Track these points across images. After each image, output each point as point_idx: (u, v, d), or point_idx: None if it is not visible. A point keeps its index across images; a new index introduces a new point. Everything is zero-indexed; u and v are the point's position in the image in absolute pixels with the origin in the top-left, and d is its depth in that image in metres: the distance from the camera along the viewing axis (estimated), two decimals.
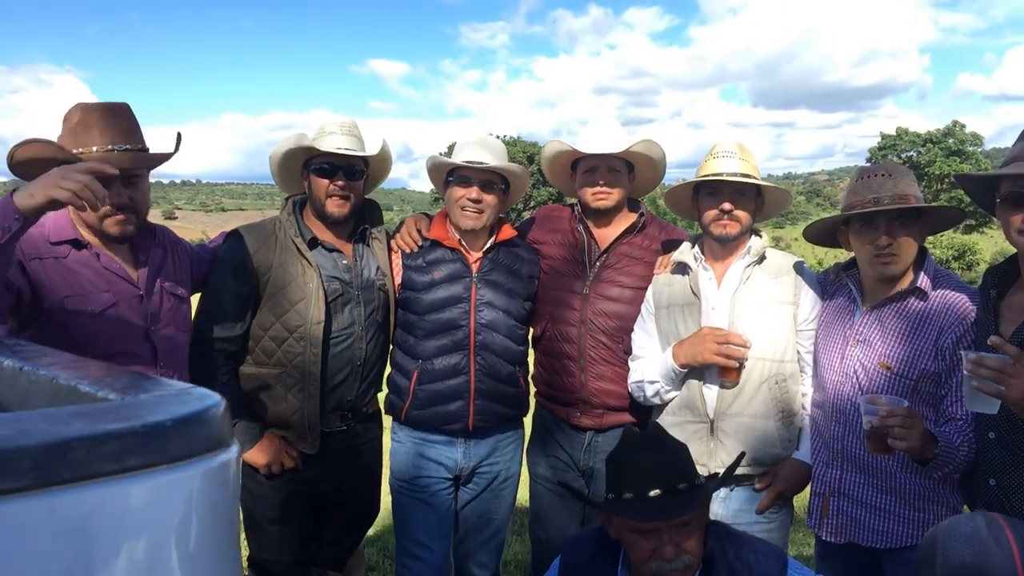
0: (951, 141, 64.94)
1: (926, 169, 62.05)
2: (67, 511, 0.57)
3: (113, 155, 2.24)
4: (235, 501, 0.72)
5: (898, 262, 2.45)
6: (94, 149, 2.23)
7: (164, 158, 2.37)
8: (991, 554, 1.50)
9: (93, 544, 0.58)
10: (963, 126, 65.72)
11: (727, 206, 2.68)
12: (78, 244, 2.32)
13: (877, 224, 2.45)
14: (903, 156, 65.37)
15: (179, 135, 2.45)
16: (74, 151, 2.21)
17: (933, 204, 2.57)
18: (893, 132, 67.89)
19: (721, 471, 2.65)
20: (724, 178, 2.67)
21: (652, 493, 1.87)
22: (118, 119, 2.30)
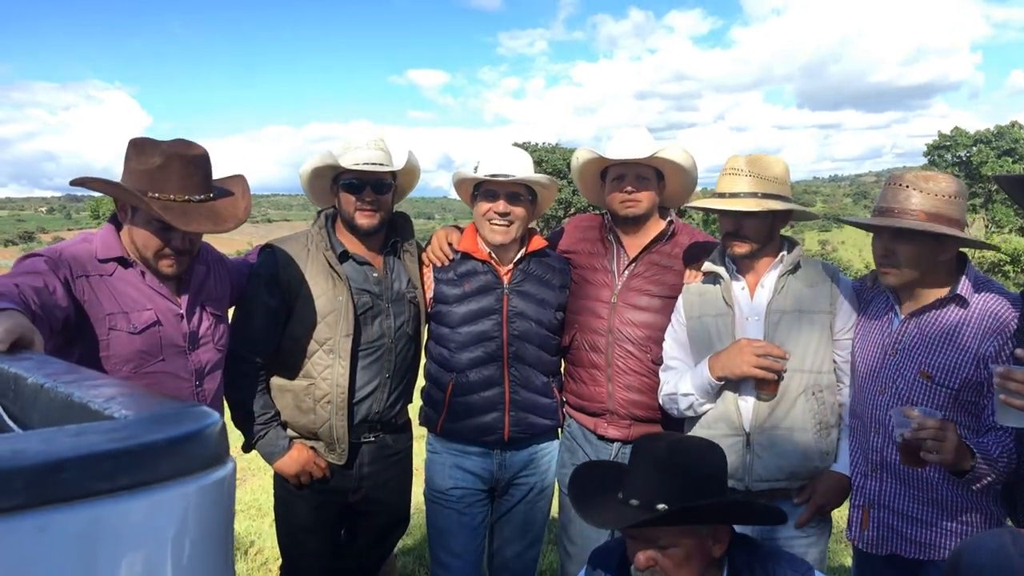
0: (1005, 140, 63.24)
1: (979, 169, 60.60)
2: (58, 529, 0.59)
3: (190, 206, 2.33)
4: (229, 517, 0.73)
5: (896, 275, 2.43)
6: (172, 197, 2.30)
7: (236, 224, 2.44)
8: (1016, 569, 1.46)
9: (87, 560, 0.60)
10: (1022, 126, 63.92)
11: (731, 228, 2.67)
12: (124, 262, 2.38)
13: (881, 235, 2.44)
14: (959, 156, 63.85)
15: (247, 193, 2.56)
16: (149, 194, 2.28)
17: (932, 229, 2.33)
18: (946, 131, 66.42)
19: (758, 487, 2.62)
20: (727, 207, 2.63)
21: (633, 502, 1.91)
22: (197, 170, 2.38)
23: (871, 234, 2.54)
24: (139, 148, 2.33)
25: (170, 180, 2.30)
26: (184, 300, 2.49)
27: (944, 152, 63.74)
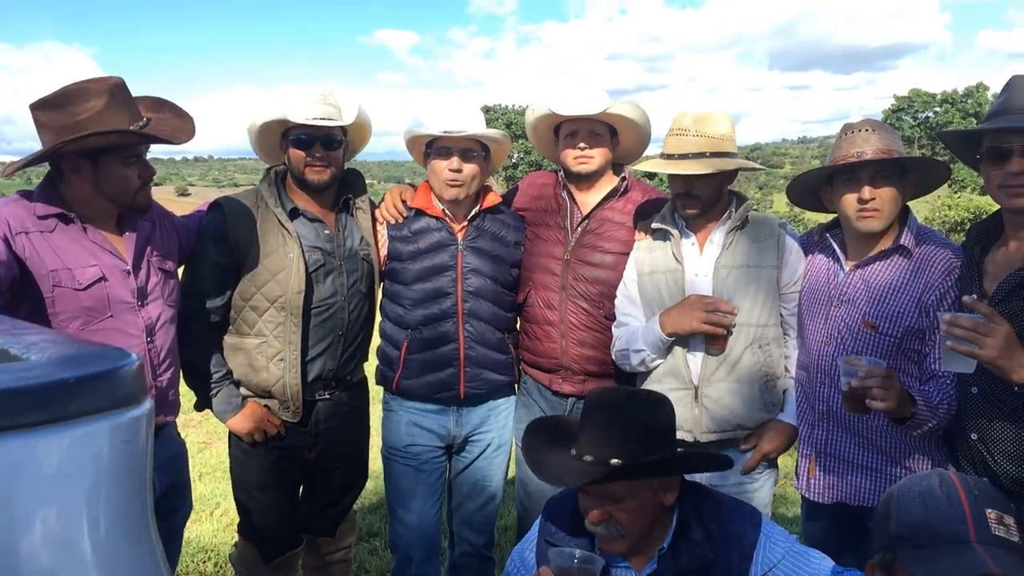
0: (969, 102, 63.94)
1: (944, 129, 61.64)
2: None
3: (151, 125, 2.36)
4: (145, 455, 0.75)
5: (880, 217, 2.44)
6: (131, 128, 2.30)
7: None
8: (942, 512, 1.52)
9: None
10: (986, 88, 64.64)
11: (681, 189, 2.66)
12: (64, 218, 2.32)
13: (860, 177, 2.44)
14: (919, 117, 64.48)
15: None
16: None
17: (916, 157, 2.50)
18: (907, 93, 66.95)
19: (706, 438, 2.67)
20: (676, 170, 2.61)
21: (587, 458, 1.92)
22: (129, 94, 2.37)
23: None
24: (62, 102, 2.24)
25: (123, 111, 2.28)
26: (129, 252, 2.44)
27: (903, 115, 64.41)
